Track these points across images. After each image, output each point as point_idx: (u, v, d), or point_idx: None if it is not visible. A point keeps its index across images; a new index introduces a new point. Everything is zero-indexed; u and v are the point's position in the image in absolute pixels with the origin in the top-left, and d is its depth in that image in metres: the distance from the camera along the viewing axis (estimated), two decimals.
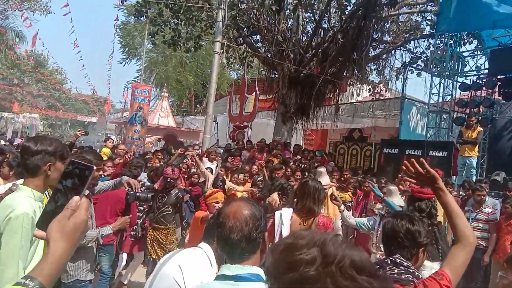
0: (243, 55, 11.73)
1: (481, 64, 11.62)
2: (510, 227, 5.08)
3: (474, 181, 7.53)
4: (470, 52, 12.04)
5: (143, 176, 5.61)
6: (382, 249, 4.27)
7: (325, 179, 4.21)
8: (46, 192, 1.92)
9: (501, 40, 10.81)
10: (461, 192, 7.19)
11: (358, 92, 14.05)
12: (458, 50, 11.55)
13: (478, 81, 11.29)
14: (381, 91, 14.64)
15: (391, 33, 12.84)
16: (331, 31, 11.70)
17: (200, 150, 9.24)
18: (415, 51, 13.48)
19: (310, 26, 13.22)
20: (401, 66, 13.23)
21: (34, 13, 26.20)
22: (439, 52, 11.21)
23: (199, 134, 18.05)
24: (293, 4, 11.57)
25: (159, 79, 24.16)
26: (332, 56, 10.89)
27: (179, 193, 5.17)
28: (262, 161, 8.68)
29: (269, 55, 11.76)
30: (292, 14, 11.90)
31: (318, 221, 3.10)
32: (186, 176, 6.93)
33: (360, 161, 14.32)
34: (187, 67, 23.58)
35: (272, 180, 6.05)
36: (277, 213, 3.20)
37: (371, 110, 13.68)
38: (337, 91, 12.54)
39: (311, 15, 12.84)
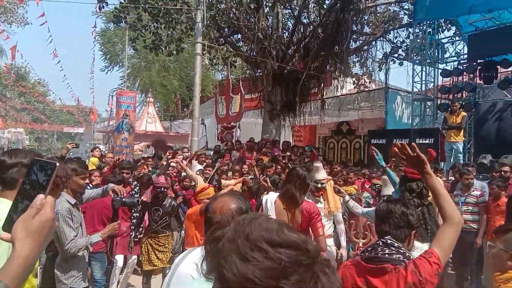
0: (226, 55, 11.71)
1: (460, 50, 11.78)
2: (499, 208, 5.13)
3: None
4: (449, 38, 12.20)
5: None
6: (363, 237, 4.37)
7: (322, 174, 4.23)
8: None
9: (477, 25, 10.96)
10: (451, 177, 7.31)
11: (342, 85, 14.15)
12: (437, 37, 11.69)
13: (459, 66, 11.45)
14: (365, 83, 14.77)
15: (370, 24, 12.98)
16: (311, 26, 11.77)
17: (189, 153, 9.21)
18: (395, 41, 13.64)
19: (290, 22, 13.28)
20: (382, 57, 13.38)
21: (11, 25, 25.75)
22: (418, 41, 11.35)
23: (187, 138, 17.94)
24: (272, 1, 11.60)
25: (144, 84, 23.94)
26: (314, 50, 10.95)
27: (173, 202, 5.04)
28: (253, 160, 8.70)
29: (251, 53, 11.77)
30: (271, 11, 11.92)
31: (301, 207, 3.16)
32: (177, 180, 6.90)
33: (350, 154, 14.46)
34: (171, 71, 23.41)
35: None
36: (263, 198, 3.31)
37: (356, 102, 13.78)
38: (322, 85, 12.61)
39: (290, 11, 12.89)
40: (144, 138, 18.75)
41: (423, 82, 11.16)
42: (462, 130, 9.23)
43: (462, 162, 8.67)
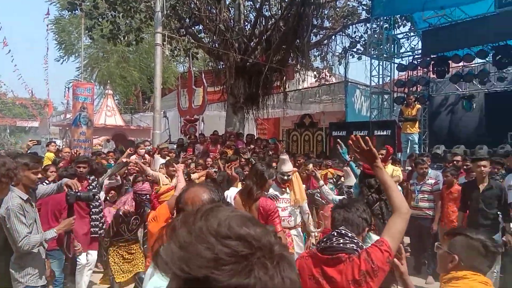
0: (187, 47, 11.51)
1: (415, 45, 12.26)
2: (451, 195, 5.42)
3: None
4: (404, 34, 12.65)
5: None
6: (317, 228, 4.53)
7: (288, 166, 4.29)
8: None
9: (431, 21, 11.46)
10: (408, 167, 7.63)
11: (304, 78, 14.34)
12: (393, 33, 12.10)
13: (413, 61, 11.95)
14: (326, 77, 15.07)
15: (330, 19, 13.21)
16: (273, 19, 11.80)
17: (151, 147, 9.00)
18: (354, 36, 13.99)
19: (252, 15, 13.24)
20: (342, 51, 13.69)
21: None
22: (375, 36, 11.72)
23: (149, 131, 17.54)
24: None
25: (102, 76, 22.99)
26: (276, 43, 11.01)
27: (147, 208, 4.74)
28: (216, 153, 8.66)
29: (213, 45, 11.64)
30: (232, 2, 11.82)
31: (258, 204, 3.21)
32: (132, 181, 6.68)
33: (312, 146, 14.72)
34: (131, 62, 22.63)
35: None
36: (225, 194, 3.31)
37: (318, 95, 14.04)
38: (284, 78, 12.72)
39: (252, 3, 12.85)
40: (104, 132, 18.12)
41: (380, 76, 11.55)
42: (417, 122, 9.68)
43: (417, 152, 9.08)
